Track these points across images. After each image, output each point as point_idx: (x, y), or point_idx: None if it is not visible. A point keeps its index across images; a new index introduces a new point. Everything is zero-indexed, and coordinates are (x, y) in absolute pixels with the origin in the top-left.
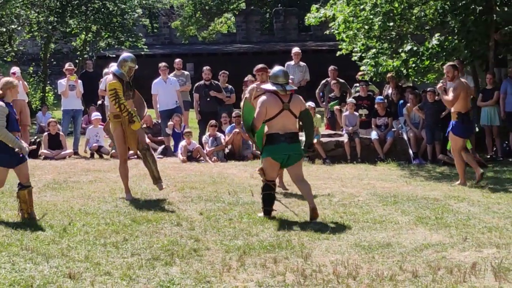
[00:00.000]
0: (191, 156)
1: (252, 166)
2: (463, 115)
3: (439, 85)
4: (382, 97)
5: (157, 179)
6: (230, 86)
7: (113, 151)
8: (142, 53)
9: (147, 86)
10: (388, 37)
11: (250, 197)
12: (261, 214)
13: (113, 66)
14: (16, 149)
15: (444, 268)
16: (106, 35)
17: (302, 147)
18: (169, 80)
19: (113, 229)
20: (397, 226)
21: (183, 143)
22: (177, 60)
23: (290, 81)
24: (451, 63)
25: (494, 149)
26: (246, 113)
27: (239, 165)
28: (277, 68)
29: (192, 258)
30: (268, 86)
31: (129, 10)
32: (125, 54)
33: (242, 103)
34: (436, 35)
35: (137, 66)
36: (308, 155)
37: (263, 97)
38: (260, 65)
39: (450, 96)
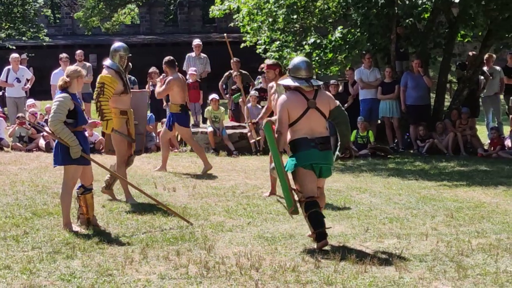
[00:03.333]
0: (94, 148)
1: (156, 158)
2: (184, 106)
3: (160, 77)
4: None
5: (109, 187)
6: (132, 78)
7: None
8: (44, 44)
9: (49, 77)
10: (292, 30)
11: (154, 189)
12: (315, 246)
13: (106, 60)
14: (70, 147)
15: (346, 258)
16: (7, 26)
17: (337, 151)
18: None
19: (14, 223)
20: (300, 217)
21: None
22: (78, 51)
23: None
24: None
25: (396, 140)
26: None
27: (143, 157)
28: (298, 59)
29: (94, 251)
30: (288, 81)
31: (31, 1)
32: (115, 44)
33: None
34: (339, 28)
35: (130, 55)
36: (344, 159)
37: (283, 97)
38: (270, 61)
39: (161, 88)
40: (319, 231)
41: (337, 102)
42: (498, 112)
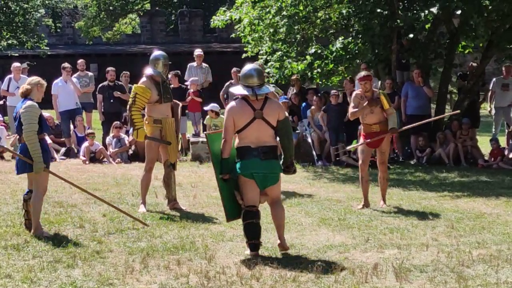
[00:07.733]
0: (94, 157)
1: (157, 168)
2: None
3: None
4: (286, 96)
5: (172, 200)
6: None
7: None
8: (44, 56)
9: (50, 86)
10: (294, 40)
11: (154, 198)
12: (248, 252)
13: (148, 69)
14: (34, 161)
15: (347, 269)
16: (8, 35)
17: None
18: (70, 81)
19: (14, 231)
20: (300, 227)
21: (85, 144)
22: (80, 61)
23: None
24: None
25: (396, 151)
26: (211, 145)
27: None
28: (249, 66)
29: (95, 260)
30: (238, 89)
31: (32, 10)
32: (156, 52)
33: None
34: (340, 38)
35: (170, 63)
36: (287, 173)
37: (230, 105)
38: (363, 73)
39: None
40: (251, 243)
41: (286, 114)
42: (510, 123)
